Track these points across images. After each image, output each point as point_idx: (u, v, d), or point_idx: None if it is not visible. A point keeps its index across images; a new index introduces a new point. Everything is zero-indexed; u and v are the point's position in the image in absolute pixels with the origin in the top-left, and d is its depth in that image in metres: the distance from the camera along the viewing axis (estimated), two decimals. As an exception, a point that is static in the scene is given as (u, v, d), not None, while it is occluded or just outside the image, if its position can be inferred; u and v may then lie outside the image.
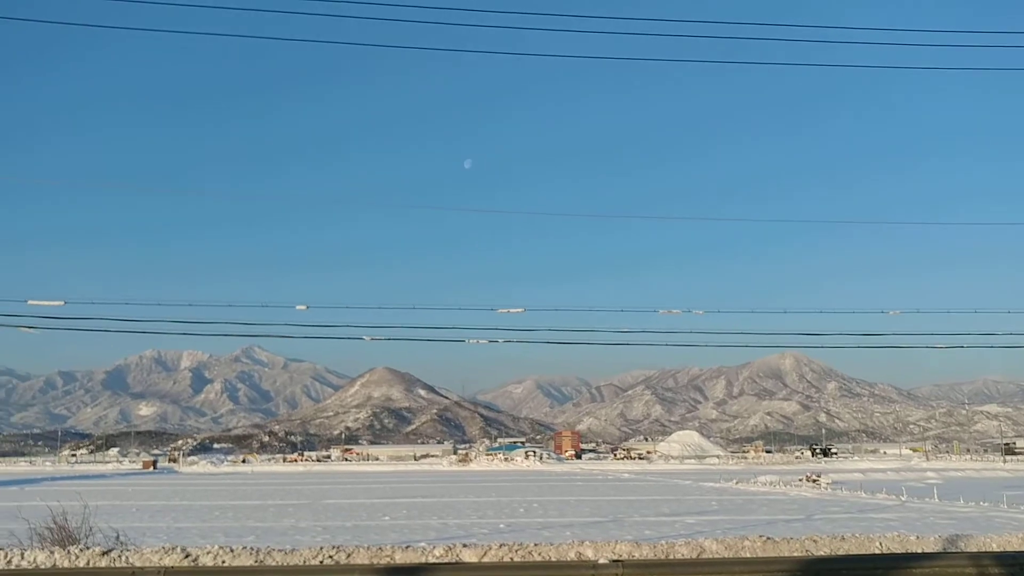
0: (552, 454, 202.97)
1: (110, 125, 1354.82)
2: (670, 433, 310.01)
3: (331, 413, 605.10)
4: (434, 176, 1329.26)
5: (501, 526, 37.68)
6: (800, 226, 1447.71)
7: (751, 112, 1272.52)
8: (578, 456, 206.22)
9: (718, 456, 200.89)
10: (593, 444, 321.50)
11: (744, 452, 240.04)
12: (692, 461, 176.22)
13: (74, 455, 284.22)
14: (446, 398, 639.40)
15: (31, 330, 23.29)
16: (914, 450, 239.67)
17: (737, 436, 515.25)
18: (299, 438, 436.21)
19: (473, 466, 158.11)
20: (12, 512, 38.37)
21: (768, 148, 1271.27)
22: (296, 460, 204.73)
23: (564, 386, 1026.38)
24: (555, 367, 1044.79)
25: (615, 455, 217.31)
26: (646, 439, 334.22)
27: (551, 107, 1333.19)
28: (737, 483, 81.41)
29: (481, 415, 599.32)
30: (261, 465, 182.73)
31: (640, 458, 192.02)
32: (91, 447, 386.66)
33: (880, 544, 19.16)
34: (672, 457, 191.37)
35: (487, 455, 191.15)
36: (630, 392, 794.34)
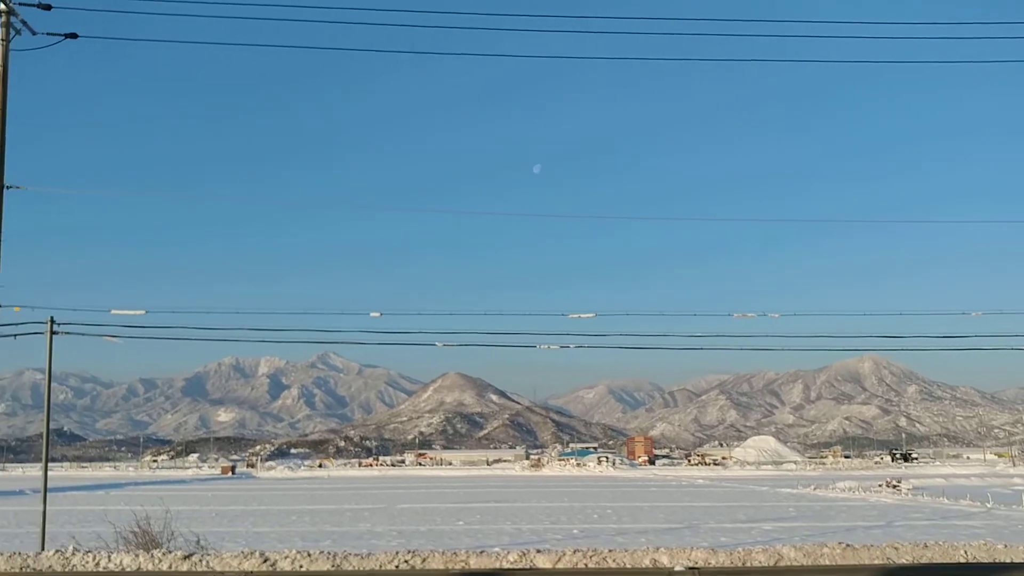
0: (625, 460, 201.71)
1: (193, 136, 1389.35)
2: (745, 438, 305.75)
3: (405, 418, 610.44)
4: (503, 179, 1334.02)
5: (575, 531, 37.56)
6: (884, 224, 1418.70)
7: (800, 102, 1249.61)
8: (651, 462, 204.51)
9: (795, 462, 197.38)
10: (667, 449, 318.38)
11: (822, 457, 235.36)
12: (768, 467, 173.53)
13: (155, 461, 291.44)
14: (517, 403, 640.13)
15: (115, 339, 23.96)
16: (999, 455, 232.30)
17: (815, 441, 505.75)
18: (374, 443, 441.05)
19: (545, 471, 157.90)
20: (99, 516, 39.49)
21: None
22: (371, 465, 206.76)
23: (636, 391, 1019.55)
24: (627, 372, 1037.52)
25: (689, 461, 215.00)
26: (721, 444, 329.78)
27: (593, 101, 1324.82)
28: (815, 489, 79.95)
29: (553, 420, 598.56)
30: (337, 470, 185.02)
31: (715, 464, 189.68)
32: (172, 453, 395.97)
33: (965, 553, 18.59)
34: (748, 463, 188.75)
35: (559, 460, 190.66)
36: (704, 397, 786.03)
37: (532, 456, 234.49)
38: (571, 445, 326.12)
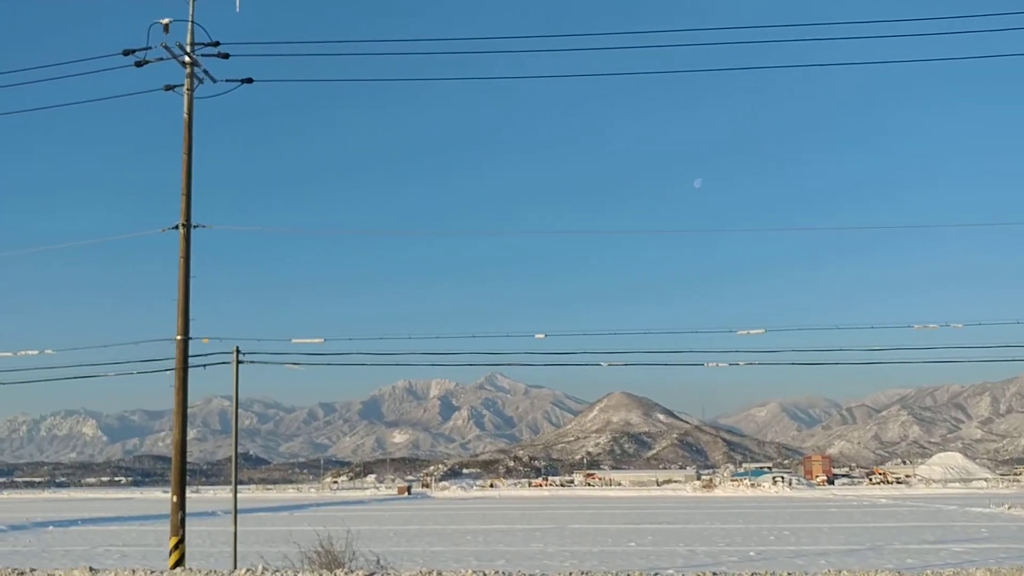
0: (802, 480, 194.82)
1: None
2: (930, 455, 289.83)
3: (572, 438, 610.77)
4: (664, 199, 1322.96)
5: (751, 554, 36.53)
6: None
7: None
8: (830, 481, 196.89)
9: (985, 479, 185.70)
10: (846, 468, 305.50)
11: (1016, 474, 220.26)
12: (956, 485, 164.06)
13: (335, 482, 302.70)
14: (686, 422, 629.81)
15: (296, 367, 25.08)
16: None
17: (1006, 457, 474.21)
18: (542, 463, 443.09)
19: (718, 492, 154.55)
20: (284, 536, 41.26)
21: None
22: (541, 485, 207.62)
23: (811, 408, 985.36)
24: (800, 388, 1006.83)
25: (870, 479, 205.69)
26: (904, 462, 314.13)
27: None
28: (1010, 508, 74.95)
29: (723, 439, 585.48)
30: (508, 490, 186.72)
31: (898, 482, 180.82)
32: (350, 474, 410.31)
33: None
34: (934, 481, 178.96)
35: (732, 481, 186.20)
36: (884, 413, 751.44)
37: (703, 476, 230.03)
38: (744, 465, 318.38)
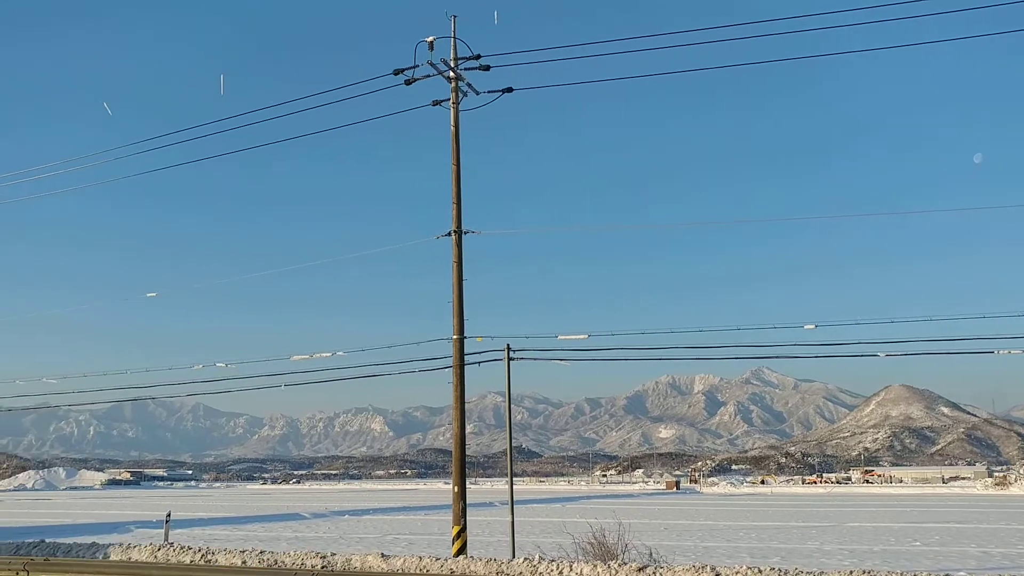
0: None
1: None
2: None
3: (847, 433, 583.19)
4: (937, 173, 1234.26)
5: (1057, 558, 33.52)
6: None
7: None
8: None
9: None
10: None
11: None
12: None
13: (604, 475, 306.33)
14: (973, 415, 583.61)
15: (563, 362, 25.77)
16: None
17: None
18: (816, 459, 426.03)
19: (1013, 490, 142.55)
20: (558, 527, 42.42)
21: None
22: (815, 482, 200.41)
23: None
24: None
25: None
26: None
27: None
28: None
29: (1018, 433, 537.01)
30: (780, 487, 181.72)
31: None
32: (619, 468, 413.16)
33: None
34: None
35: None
36: None
37: (996, 473, 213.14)
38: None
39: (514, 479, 25.48)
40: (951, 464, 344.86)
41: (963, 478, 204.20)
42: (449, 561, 20.14)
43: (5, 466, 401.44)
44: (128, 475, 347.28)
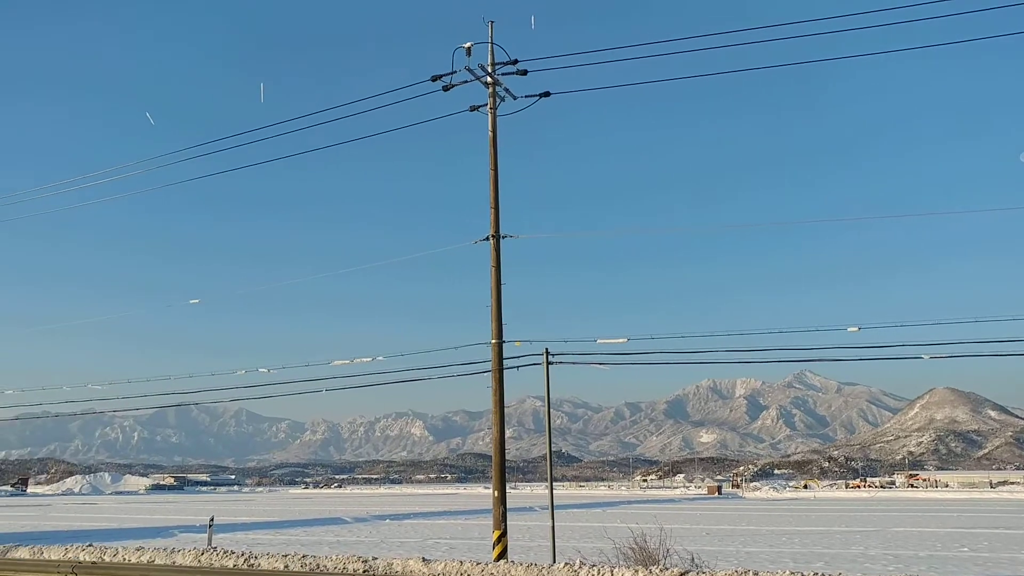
0: None
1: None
2: None
3: (891, 437, 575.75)
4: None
5: (1110, 565, 32.78)
6: None
7: None
8: None
9: None
10: None
11: None
12: None
13: (645, 480, 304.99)
14: (1022, 419, 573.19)
15: (602, 366, 25.68)
16: None
17: None
18: (859, 463, 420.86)
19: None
20: (598, 532, 42.27)
21: None
22: (859, 486, 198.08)
23: None
24: None
25: None
26: None
27: None
28: None
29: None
30: (823, 491, 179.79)
31: None
32: (659, 472, 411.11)
33: None
34: None
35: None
36: None
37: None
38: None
39: (554, 484, 25.43)
40: (999, 468, 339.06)
41: (1012, 483, 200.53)
42: (490, 566, 20.13)
43: (53, 471, 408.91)
44: (172, 480, 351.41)
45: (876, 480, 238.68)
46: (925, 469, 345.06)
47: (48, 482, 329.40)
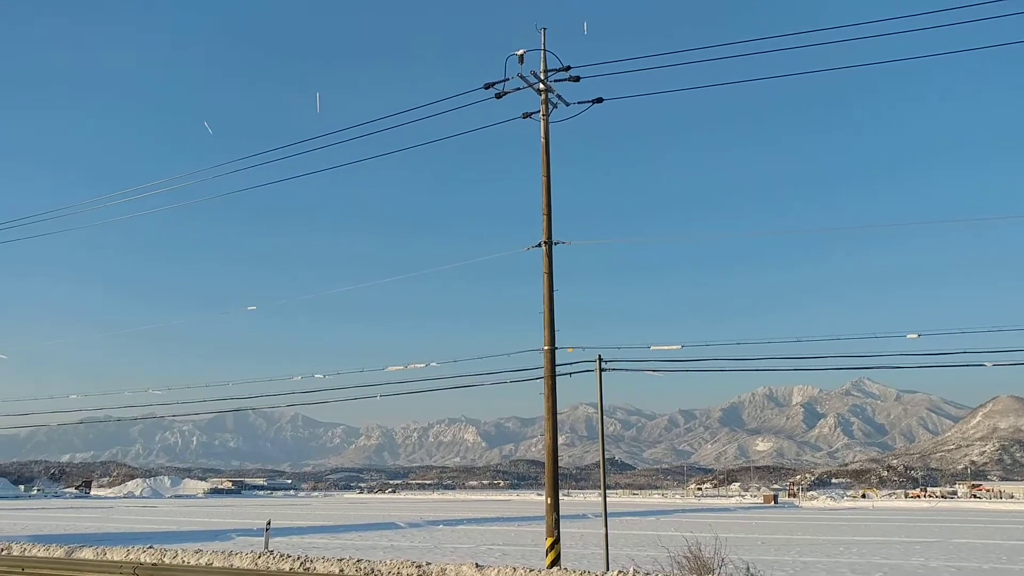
0: None
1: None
2: None
3: (952, 446, 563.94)
4: None
5: None
6: None
7: None
8: None
9: None
10: None
11: None
12: None
13: (700, 489, 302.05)
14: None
15: (656, 373, 25.55)
16: None
17: None
18: (919, 473, 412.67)
19: None
20: (652, 540, 42.03)
21: None
22: (919, 496, 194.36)
23: None
24: None
25: None
26: None
27: None
28: None
29: None
30: (882, 501, 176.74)
31: None
32: (714, 481, 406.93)
33: None
34: None
35: None
36: None
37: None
38: None
39: (608, 491, 25.34)
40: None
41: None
42: (543, 572, 20.15)
43: (115, 474, 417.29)
44: (229, 484, 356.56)
45: (937, 490, 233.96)
46: (988, 479, 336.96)
47: (110, 485, 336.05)
